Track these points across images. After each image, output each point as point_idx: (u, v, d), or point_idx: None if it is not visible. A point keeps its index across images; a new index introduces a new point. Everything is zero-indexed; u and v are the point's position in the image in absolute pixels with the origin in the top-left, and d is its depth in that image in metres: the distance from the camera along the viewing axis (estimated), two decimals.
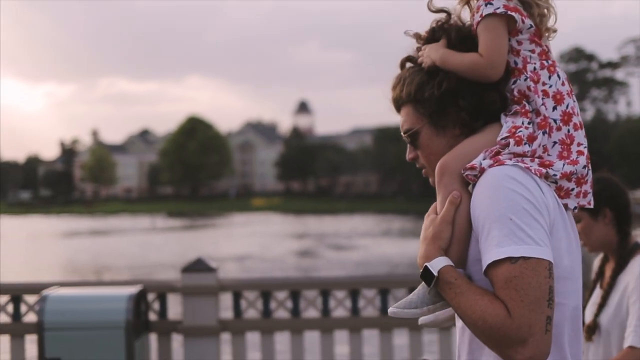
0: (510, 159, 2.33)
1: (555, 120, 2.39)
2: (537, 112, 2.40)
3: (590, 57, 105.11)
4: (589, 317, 4.20)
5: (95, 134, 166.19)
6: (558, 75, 2.44)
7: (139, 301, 6.40)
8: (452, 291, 2.27)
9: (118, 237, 57.84)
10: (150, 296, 6.81)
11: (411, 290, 6.24)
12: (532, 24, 2.45)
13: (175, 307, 7.06)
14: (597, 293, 4.26)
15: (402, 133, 2.56)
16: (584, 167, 2.40)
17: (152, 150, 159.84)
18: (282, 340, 6.91)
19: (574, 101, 2.46)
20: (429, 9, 2.57)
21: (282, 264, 33.68)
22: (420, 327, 6.25)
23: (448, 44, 2.48)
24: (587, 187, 2.43)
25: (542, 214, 2.26)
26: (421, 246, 2.40)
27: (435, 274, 2.29)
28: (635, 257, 4.13)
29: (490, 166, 2.32)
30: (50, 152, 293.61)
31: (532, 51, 2.45)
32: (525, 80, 2.42)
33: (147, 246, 46.71)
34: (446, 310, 2.45)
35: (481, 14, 2.43)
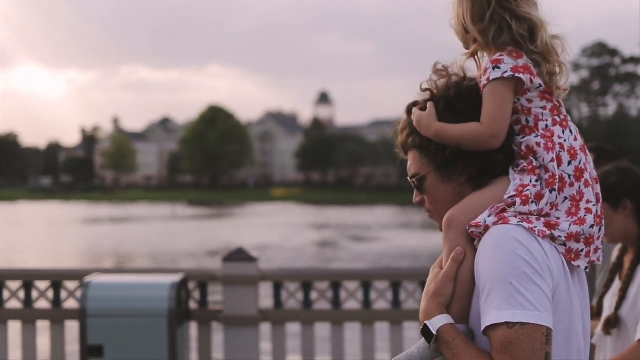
0: (515, 217, 2.30)
1: (569, 176, 2.36)
2: (546, 169, 2.36)
3: (613, 52, 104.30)
4: (607, 309, 4.16)
5: (116, 121, 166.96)
6: (570, 130, 2.41)
7: (180, 289, 6.39)
8: (449, 351, 2.27)
9: (139, 225, 58.01)
10: (190, 285, 6.81)
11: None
12: (542, 83, 2.41)
13: (213, 296, 7.04)
14: (616, 285, 4.20)
15: (408, 177, 2.56)
16: (592, 226, 2.36)
17: (173, 139, 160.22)
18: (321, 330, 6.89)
19: (587, 155, 2.43)
20: (435, 69, 2.53)
21: (302, 254, 33.71)
22: None
23: (445, 106, 2.45)
24: (599, 243, 2.41)
25: (544, 278, 2.24)
26: (423, 301, 2.40)
27: (435, 332, 2.30)
28: None
29: (495, 224, 2.30)
30: (71, 138, 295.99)
31: (544, 108, 2.42)
32: (536, 137, 2.39)
33: (169, 234, 46.83)
34: None
35: (488, 78, 2.39)
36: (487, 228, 2.30)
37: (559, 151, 2.36)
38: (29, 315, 6.78)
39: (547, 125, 2.39)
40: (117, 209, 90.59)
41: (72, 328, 6.90)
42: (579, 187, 2.36)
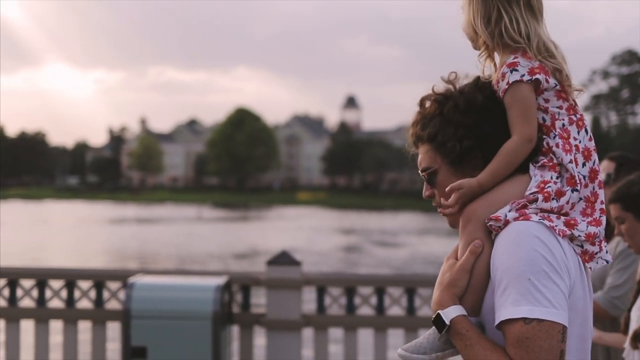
0: (536, 214, 2.30)
1: (584, 177, 2.37)
2: (565, 169, 2.37)
3: None
4: (635, 322, 4.07)
5: (143, 122, 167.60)
6: (586, 131, 2.42)
7: (224, 292, 6.35)
8: (462, 342, 2.26)
9: (165, 226, 58.17)
10: (233, 287, 6.76)
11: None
12: (557, 82, 2.42)
13: (253, 299, 6.99)
14: None
15: (419, 171, 2.54)
16: (605, 227, 2.40)
17: (199, 140, 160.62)
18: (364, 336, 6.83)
19: (597, 157, 2.45)
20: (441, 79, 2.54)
21: (328, 258, 33.65)
22: None
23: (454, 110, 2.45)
24: (605, 244, 2.41)
25: (562, 277, 2.24)
26: (436, 291, 2.39)
27: (448, 322, 2.29)
28: None
29: (515, 219, 2.30)
30: (98, 138, 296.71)
31: (560, 107, 2.42)
32: (554, 138, 2.39)
33: (194, 236, 46.90)
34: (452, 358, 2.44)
35: (508, 82, 2.39)
36: (506, 223, 2.30)
37: (575, 153, 2.37)
38: (70, 315, 6.76)
39: (563, 125, 2.40)
40: (143, 209, 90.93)
41: (111, 329, 6.89)
42: (593, 189, 2.38)
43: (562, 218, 2.32)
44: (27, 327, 6.92)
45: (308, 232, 51.33)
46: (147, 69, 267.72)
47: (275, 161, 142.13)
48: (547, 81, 2.39)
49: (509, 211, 2.31)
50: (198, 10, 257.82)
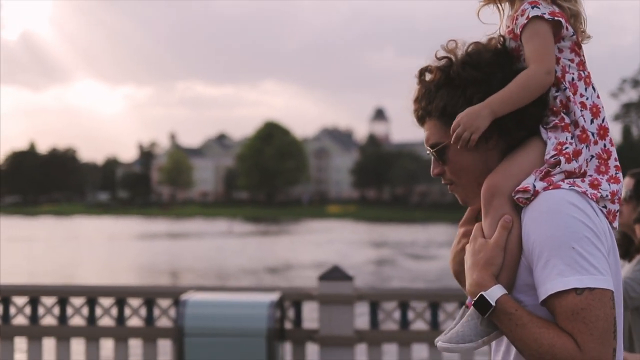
0: (563, 181, 2.21)
1: (593, 134, 2.28)
2: (576, 124, 2.29)
3: None
4: None
5: (173, 137, 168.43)
6: (593, 88, 2.34)
7: (276, 308, 6.28)
8: (512, 322, 2.15)
9: (197, 241, 58.28)
10: (285, 303, 6.69)
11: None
12: (574, 32, 2.33)
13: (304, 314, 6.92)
14: None
15: (427, 147, 2.45)
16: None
17: (229, 155, 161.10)
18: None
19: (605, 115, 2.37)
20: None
21: (361, 272, 33.53)
22: None
23: (469, 65, 2.34)
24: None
25: (602, 241, 2.16)
26: (471, 272, 2.26)
27: (493, 303, 2.17)
28: None
29: (545, 189, 2.20)
30: (128, 154, 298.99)
31: (572, 60, 2.34)
32: (565, 90, 2.30)
33: (226, 250, 46.94)
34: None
35: (527, 16, 2.29)
36: (536, 193, 2.20)
37: (582, 110, 2.29)
38: (121, 333, 6.70)
39: (573, 79, 2.31)
40: (173, 224, 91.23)
41: (162, 347, 6.84)
42: (604, 145, 2.29)
43: (587, 180, 2.23)
44: (78, 346, 6.87)
45: (339, 246, 51.23)
46: (176, 84, 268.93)
47: (305, 175, 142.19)
48: (567, 28, 2.30)
49: (535, 180, 2.22)
50: (225, 24, 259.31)
